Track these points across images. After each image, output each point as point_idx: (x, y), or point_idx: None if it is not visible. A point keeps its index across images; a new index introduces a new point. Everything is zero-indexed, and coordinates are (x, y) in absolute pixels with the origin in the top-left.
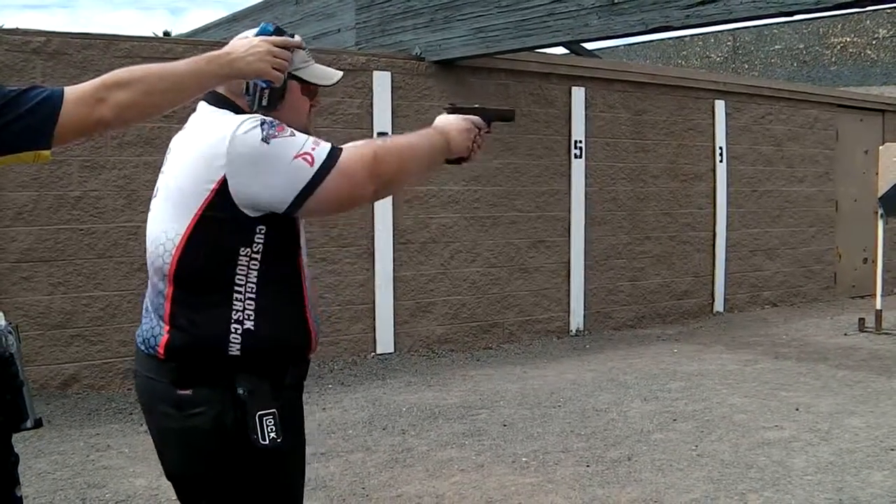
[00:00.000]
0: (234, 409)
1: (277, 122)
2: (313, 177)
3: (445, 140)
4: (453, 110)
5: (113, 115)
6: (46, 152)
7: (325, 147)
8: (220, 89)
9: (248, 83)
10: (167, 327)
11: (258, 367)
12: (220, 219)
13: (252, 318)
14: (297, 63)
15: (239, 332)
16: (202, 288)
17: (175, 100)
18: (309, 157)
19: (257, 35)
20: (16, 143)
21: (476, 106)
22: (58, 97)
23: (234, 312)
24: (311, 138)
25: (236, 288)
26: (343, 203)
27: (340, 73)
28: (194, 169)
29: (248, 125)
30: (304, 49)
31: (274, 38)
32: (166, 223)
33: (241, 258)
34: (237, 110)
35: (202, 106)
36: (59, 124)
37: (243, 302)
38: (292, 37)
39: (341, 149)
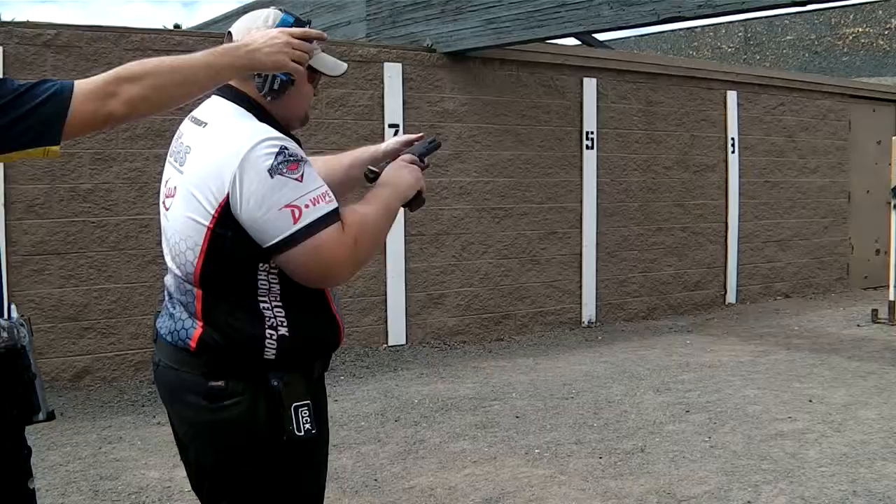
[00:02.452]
0: (268, 401)
1: (294, 157)
2: (289, 235)
3: (395, 191)
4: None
5: (124, 109)
6: (56, 148)
7: (320, 209)
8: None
9: None
10: (200, 323)
11: (291, 364)
12: (231, 235)
13: (285, 324)
14: None
15: (274, 337)
16: (231, 295)
17: (189, 93)
18: (297, 212)
19: (277, 26)
20: (25, 138)
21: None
22: (67, 92)
23: (266, 319)
24: (318, 191)
25: (261, 298)
26: (313, 275)
27: (345, 65)
28: (207, 181)
29: (263, 149)
30: (325, 40)
31: (293, 29)
32: (185, 229)
33: (260, 273)
34: (249, 104)
35: (217, 101)
36: (69, 119)
37: (272, 310)
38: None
39: (336, 219)
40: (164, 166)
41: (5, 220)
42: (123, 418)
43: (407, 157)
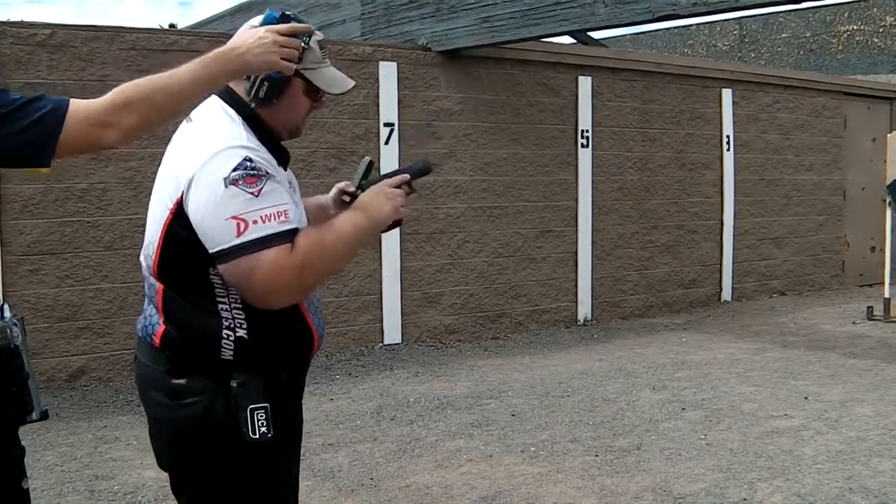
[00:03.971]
0: (226, 401)
1: (256, 171)
2: (230, 247)
3: (368, 221)
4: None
5: (119, 137)
6: (45, 169)
7: (269, 227)
8: None
9: None
10: (162, 318)
11: (253, 367)
12: (184, 235)
13: (244, 326)
14: (309, 62)
15: (231, 339)
16: (188, 293)
17: (183, 108)
18: (243, 226)
19: (263, 24)
20: (14, 156)
21: (395, 170)
22: (62, 112)
23: (223, 320)
24: (273, 209)
25: (219, 300)
26: (250, 293)
27: (353, 83)
28: (171, 177)
29: (225, 157)
30: (312, 34)
31: (280, 26)
32: (151, 223)
33: (213, 276)
34: (239, 106)
35: (211, 100)
36: (61, 142)
37: (230, 311)
38: (304, 23)
39: (286, 241)
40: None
41: (0, 220)
42: (119, 418)
43: (395, 179)
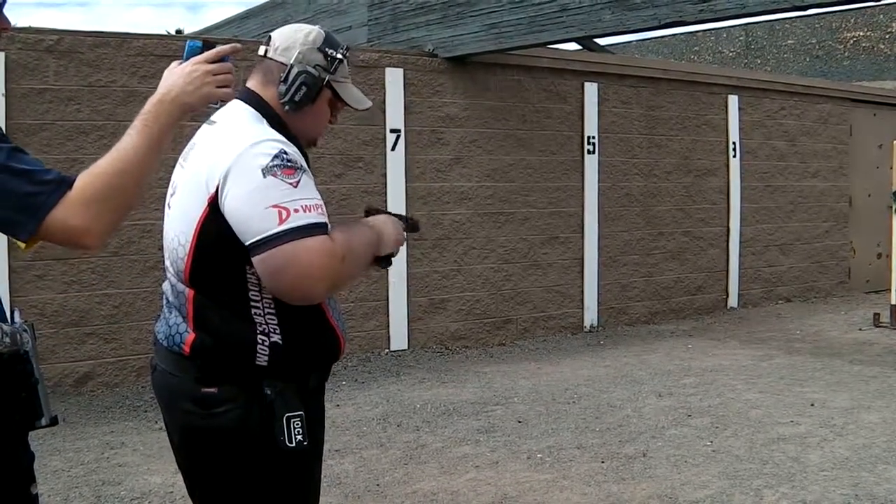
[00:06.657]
0: (261, 410)
1: (292, 163)
2: (272, 234)
3: (378, 237)
4: (374, 212)
5: (97, 244)
6: (21, 244)
7: (312, 217)
8: (252, 83)
9: (288, 72)
10: (192, 326)
11: (285, 373)
12: (218, 233)
13: (278, 332)
14: (340, 75)
15: (266, 344)
16: (220, 297)
17: (146, 181)
18: (285, 213)
19: (185, 56)
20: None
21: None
22: (54, 198)
23: (257, 325)
24: (312, 200)
25: (252, 304)
26: (287, 283)
27: (370, 103)
28: (202, 175)
29: (261, 148)
30: (240, 50)
31: (206, 54)
32: (180, 225)
33: (249, 276)
34: (265, 110)
35: (235, 104)
36: (44, 226)
37: (264, 316)
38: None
39: (325, 233)
40: (167, 174)
41: None
42: (126, 423)
43: (395, 220)
